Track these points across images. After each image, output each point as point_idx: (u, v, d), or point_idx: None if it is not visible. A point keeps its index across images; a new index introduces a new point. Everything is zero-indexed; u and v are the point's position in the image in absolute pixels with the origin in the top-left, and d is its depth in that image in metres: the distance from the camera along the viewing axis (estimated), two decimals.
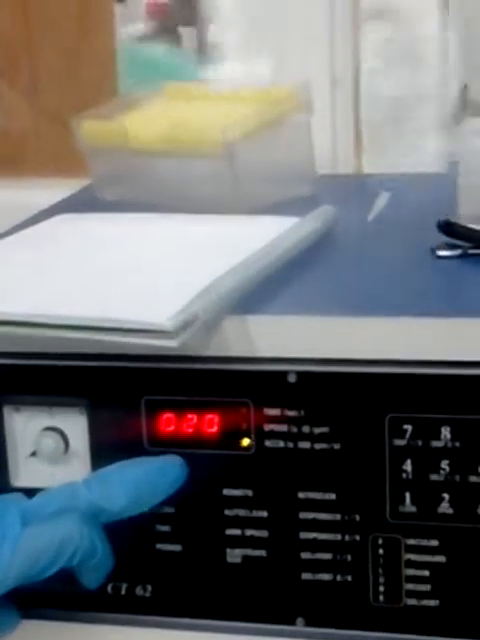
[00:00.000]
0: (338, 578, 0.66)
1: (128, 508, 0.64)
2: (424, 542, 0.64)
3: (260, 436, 0.65)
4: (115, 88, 1.22)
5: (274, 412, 0.65)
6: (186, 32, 1.30)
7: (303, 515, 0.66)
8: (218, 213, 0.85)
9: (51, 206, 0.96)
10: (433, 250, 0.75)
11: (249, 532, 0.67)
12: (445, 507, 0.63)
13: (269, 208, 0.86)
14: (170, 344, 0.60)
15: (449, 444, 0.63)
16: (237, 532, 0.67)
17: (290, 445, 0.65)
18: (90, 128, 0.94)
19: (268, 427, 0.65)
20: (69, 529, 0.62)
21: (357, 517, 0.65)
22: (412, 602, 0.65)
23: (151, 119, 0.95)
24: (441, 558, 0.64)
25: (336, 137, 1.18)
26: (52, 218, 0.87)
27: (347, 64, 1.22)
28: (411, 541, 0.65)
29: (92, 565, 0.65)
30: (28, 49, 1.33)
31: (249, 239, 0.74)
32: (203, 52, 1.27)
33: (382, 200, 0.91)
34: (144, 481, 0.64)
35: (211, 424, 0.66)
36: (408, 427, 0.63)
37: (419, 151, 1.15)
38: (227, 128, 0.87)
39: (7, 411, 0.68)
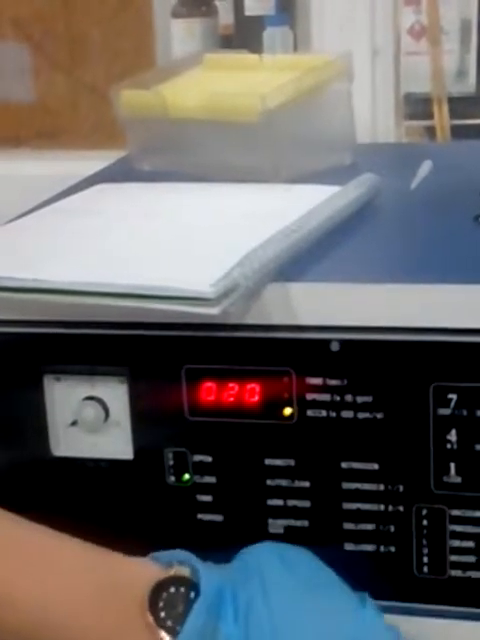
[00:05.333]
0: (381, 549, 0.65)
1: None
2: (469, 513, 0.63)
3: (302, 405, 0.64)
4: (153, 59, 1.21)
5: (316, 381, 0.64)
6: (222, 6, 1.29)
7: (346, 485, 0.65)
8: (257, 182, 0.84)
9: (89, 176, 0.95)
10: (477, 217, 0.74)
11: (291, 502, 0.66)
12: None
13: (309, 177, 0.85)
14: (211, 312, 0.60)
15: None
16: (279, 502, 0.66)
17: (333, 414, 0.64)
18: (129, 98, 0.93)
19: (310, 396, 0.64)
20: None
21: (401, 487, 0.64)
22: (457, 573, 0.64)
23: (190, 88, 0.94)
24: None
25: (376, 106, 1.17)
26: (91, 188, 0.86)
27: (388, 34, 1.20)
28: (456, 512, 0.64)
29: None
30: (66, 22, 1.32)
31: (290, 207, 0.73)
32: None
33: (425, 168, 0.89)
34: None
35: (253, 393, 0.65)
36: (453, 396, 0.62)
37: None
38: (266, 96, 0.86)
39: (48, 381, 0.68)
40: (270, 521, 0.67)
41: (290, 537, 0.66)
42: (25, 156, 1.33)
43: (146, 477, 0.68)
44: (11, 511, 0.63)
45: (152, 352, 0.66)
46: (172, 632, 0.58)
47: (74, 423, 0.69)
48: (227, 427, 0.66)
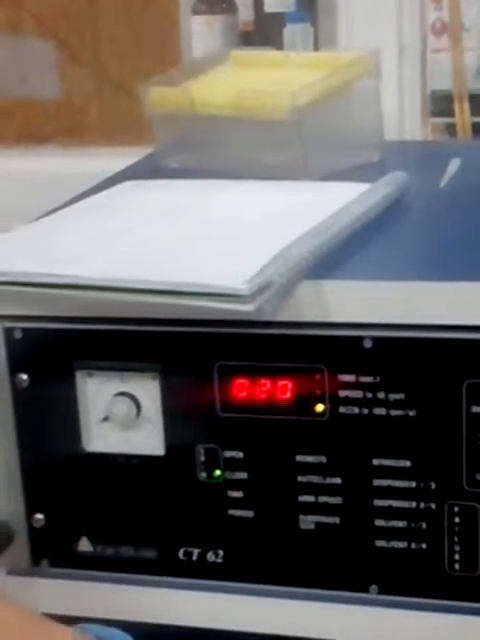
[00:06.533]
0: (413, 546, 0.65)
1: None
2: None
3: (334, 402, 0.64)
4: (178, 56, 1.22)
5: (349, 378, 0.64)
6: (242, 2, 1.29)
7: (377, 482, 0.65)
8: (286, 179, 0.84)
9: (116, 173, 0.95)
10: None
11: (323, 499, 0.66)
12: None
13: (337, 174, 0.85)
14: (246, 308, 0.60)
15: None
16: (310, 499, 0.67)
17: (365, 411, 0.64)
18: (157, 94, 0.93)
19: (343, 393, 0.64)
20: None
21: (433, 485, 0.64)
22: None
23: (218, 85, 0.94)
24: None
25: (403, 104, 1.16)
26: (119, 185, 0.87)
27: (414, 32, 1.20)
28: None
29: None
30: (91, 18, 1.32)
31: (321, 205, 0.73)
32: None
33: (453, 166, 0.89)
34: None
35: (285, 390, 0.65)
36: None
37: None
38: (295, 93, 0.86)
39: (80, 376, 0.68)
40: (301, 517, 0.67)
41: (321, 533, 0.67)
42: (51, 153, 1.33)
43: (177, 473, 0.68)
44: (43, 506, 0.63)
45: (184, 348, 0.66)
46: None
47: (106, 419, 0.69)
48: (259, 423, 0.66)
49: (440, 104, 1.29)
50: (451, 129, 1.29)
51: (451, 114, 1.26)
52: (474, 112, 1.27)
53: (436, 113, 1.30)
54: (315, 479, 0.66)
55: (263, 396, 0.66)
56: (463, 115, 1.26)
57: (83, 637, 0.60)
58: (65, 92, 1.32)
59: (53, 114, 1.35)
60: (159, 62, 1.21)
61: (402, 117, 1.17)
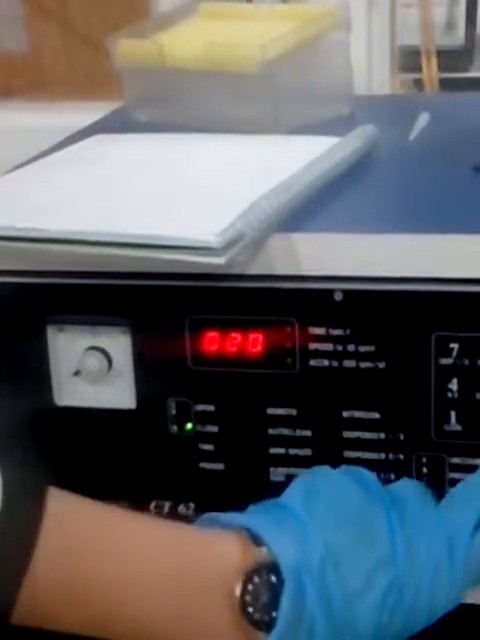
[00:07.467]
0: None
1: None
2: (469, 460, 0.64)
3: (305, 355, 0.65)
4: (147, 9, 1.20)
5: (319, 331, 0.64)
6: None
7: (347, 434, 0.66)
8: (255, 133, 0.83)
9: (85, 128, 0.95)
10: (476, 167, 0.74)
11: (293, 451, 0.67)
12: None
13: (307, 128, 0.85)
14: (217, 261, 0.60)
15: None
16: (281, 451, 0.67)
17: (335, 364, 0.65)
18: (126, 47, 0.93)
19: (313, 346, 0.65)
20: None
21: (401, 436, 0.65)
22: None
23: (188, 38, 0.93)
24: None
25: (372, 58, 1.16)
26: (87, 139, 0.86)
27: None
28: (456, 460, 0.64)
29: None
30: None
31: (292, 158, 0.73)
32: None
33: (422, 120, 0.89)
34: None
35: (255, 343, 0.65)
36: (454, 346, 0.63)
37: None
38: (265, 46, 0.86)
39: (51, 331, 0.68)
40: (271, 469, 0.68)
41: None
42: (17, 107, 1.32)
43: (149, 427, 0.68)
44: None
45: (155, 302, 0.66)
46: (261, 626, 0.56)
47: (77, 373, 0.69)
48: (230, 377, 0.66)
49: (409, 60, 1.29)
50: (419, 85, 1.29)
51: (418, 70, 1.26)
52: (442, 68, 1.27)
53: (404, 69, 1.29)
54: (285, 431, 0.67)
55: (234, 349, 0.66)
56: (430, 71, 1.26)
57: (240, 535, 0.59)
58: (32, 46, 1.30)
59: (19, 68, 1.33)
60: (128, 16, 1.19)
61: (371, 71, 1.17)
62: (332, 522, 0.59)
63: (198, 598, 0.57)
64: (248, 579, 0.57)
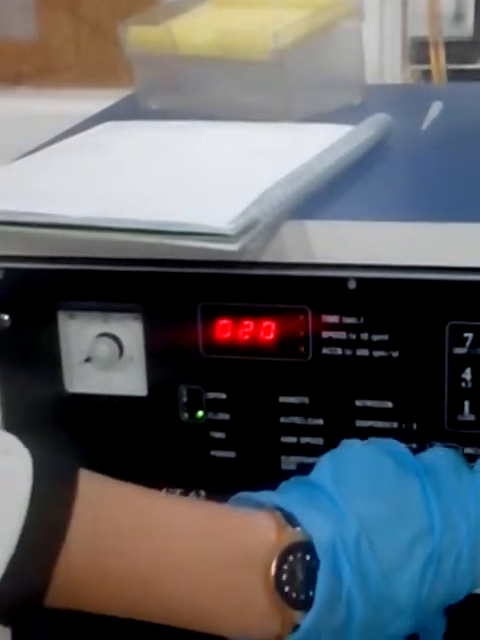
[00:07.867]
0: None
1: None
2: None
3: (317, 343, 0.64)
4: None
5: (332, 319, 0.64)
6: None
7: (360, 423, 0.65)
8: (267, 120, 0.83)
9: (96, 114, 0.94)
10: None
11: (305, 440, 0.67)
12: None
13: (319, 116, 0.85)
14: (230, 248, 0.60)
15: None
16: (293, 440, 0.67)
17: (348, 352, 0.64)
18: (137, 34, 0.92)
19: (326, 334, 0.64)
20: None
21: (414, 425, 0.65)
22: None
23: (199, 25, 0.92)
24: None
25: (383, 48, 1.16)
26: (99, 125, 0.86)
27: None
28: (469, 450, 0.64)
29: None
30: None
31: (305, 146, 0.73)
32: None
33: (435, 109, 0.89)
34: None
35: (268, 331, 0.65)
36: (469, 335, 0.62)
37: None
38: (278, 33, 0.85)
39: (62, 317, 0.68)
40: (283, 458, 0.67)
41: (303, 474, 0.67)
42: (26, 94, 1.32)
43: (160, 414, 0.68)
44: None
45: (167, 289, 0.66)
46: (298, 604, 0.56)
47: (88, 360, 0.69)
48: (242, 364, 0.66)
49: (417, 51, 1.28)
50: (427, 76, 1.28)
51: (426, 61, 1.25)
52: (450, 59, 1.26)
53: (413, 60, 1.29)
54: (297, 420, 0.66)
55: (246, 337, 0.66)
56: (439, 62, 1.26)
57: (274, 514, 0.58)
58: (41, 33, 1.30)
59: (28, 55, 1.33)
60: (137, 3, 1.19)
61: (382, 61, 1.16)
62: (365, 497, 0.58)
63: (235, 576, 0.57)
64: (283, 559, 0.56)
